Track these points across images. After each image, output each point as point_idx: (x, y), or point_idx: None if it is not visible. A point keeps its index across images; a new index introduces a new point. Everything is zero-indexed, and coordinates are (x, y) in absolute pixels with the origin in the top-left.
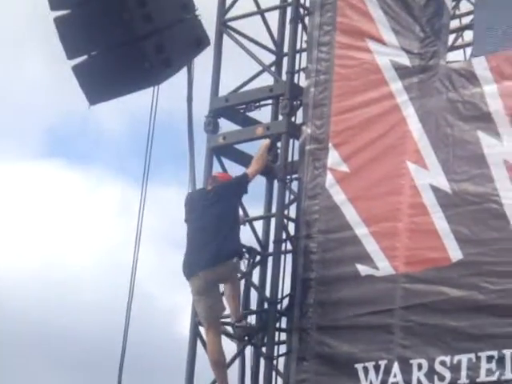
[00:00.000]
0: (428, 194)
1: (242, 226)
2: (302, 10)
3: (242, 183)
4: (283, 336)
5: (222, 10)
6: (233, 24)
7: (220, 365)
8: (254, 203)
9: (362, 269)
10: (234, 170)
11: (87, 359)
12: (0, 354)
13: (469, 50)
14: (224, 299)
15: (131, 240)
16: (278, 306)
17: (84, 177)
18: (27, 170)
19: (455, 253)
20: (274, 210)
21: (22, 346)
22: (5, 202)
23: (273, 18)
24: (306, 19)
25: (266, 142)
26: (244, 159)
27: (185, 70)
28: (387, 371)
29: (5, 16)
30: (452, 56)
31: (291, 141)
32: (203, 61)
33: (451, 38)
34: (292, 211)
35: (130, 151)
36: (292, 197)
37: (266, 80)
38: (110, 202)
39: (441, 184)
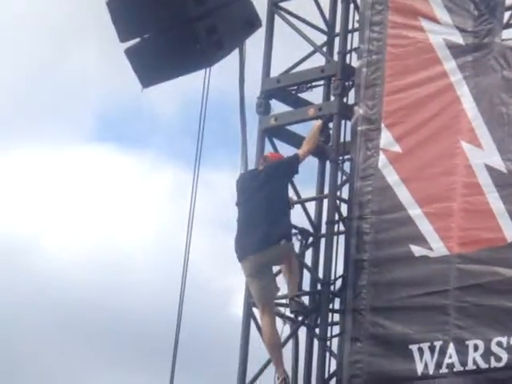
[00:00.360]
0: (483, 173)
1: (292, 209)
2: None
3: (292, 164)
4: (336, 317)
5: None
6: (284, 5)
7: (275, 346)
8: (306, 184)
9: (416, 249)
10: (286, 151)
11: (143, 341)
12: (55, 336)
13: None
14: (282, 276)
15: (184, 223)
16: (331, 287)
17: (137, 161)
18: (80, 154)
19: (511, 233)
20: (326, 191)
21: (74, 327)
22: (58, 185)
23: None
24: None
25: (318, 122)
26: (296, 140)
27: (237, 51)
28: (442, 352)
29: (58, 1)
30: (507, 34)
31: (343, 121)
32: (255, 42)
33: (507, 15)
34: (344, 192)
35: (183, 134)
36: (344, 178)
37: (318, 61)
38: (162, 185)
39: (496, 163)
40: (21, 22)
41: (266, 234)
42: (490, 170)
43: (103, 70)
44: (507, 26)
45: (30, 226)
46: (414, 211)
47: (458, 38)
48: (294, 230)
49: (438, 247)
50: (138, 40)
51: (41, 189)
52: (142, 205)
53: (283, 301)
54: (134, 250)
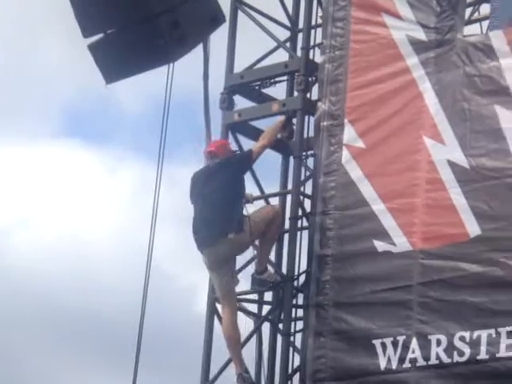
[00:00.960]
0: (445, 169)
1: (250, 204)
2: None
3: (244, 160)
4: (300, 312)
5: None
6: (247, 0)
7: (233, 340)
8: (269, 180)
9: (379, 245)
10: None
11: (105, 340)
12: (17, 333)
13: (486, 24)
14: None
15: (149, 219)
16: (295, 283)
17: (102, 156)
18: (46, 149)
19: (473, 228)
20: (289, 186)
21: (35, 325)
22: (24, 181)
23: None
24: None
25: (281, 118)
26: (259, 135)
27: (201, 47)
28: (405, 347)
29: None
30: (469, 30)
31: (307, 117)
32: (220, 37)
33: (468, 11)
34: (308, 188)
35: (149, 131)
36: (308, 173)
37: (281, 56)
38: (128, 182)
39: (458, 159)
40: None
41: (215, 229)
42: (453, 165)
43: (70, 65)
44: (469, 22)
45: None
46: (378, 207)
47: (420, 34)
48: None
49: (401, 242)
50: (101, 35)
51: (7, 184)
52: (106, 201)
53: (247, 296)
54: (99, 248)
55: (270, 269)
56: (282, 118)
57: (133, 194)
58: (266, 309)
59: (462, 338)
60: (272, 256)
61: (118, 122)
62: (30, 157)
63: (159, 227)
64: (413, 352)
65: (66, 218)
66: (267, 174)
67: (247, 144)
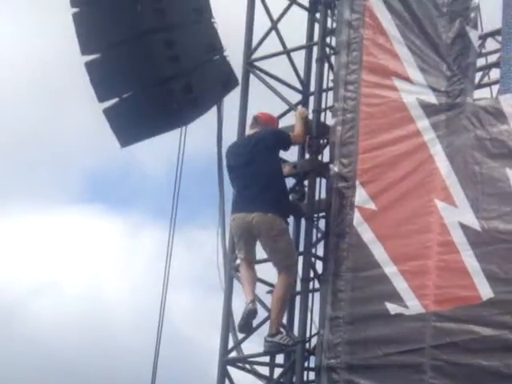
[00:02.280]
0: (457, 231)
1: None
2: (327, 50)
3: (286, 138)
4: (312, 375)
5: (249, 50)
6: (259, 64)
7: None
8: None
9: (392, 307)
10: None
11: None
12: None
13: (495, 88)
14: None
15: (171, 283)
16: (307, 345)
17: (124, 222)
18: (66, 215)
19: (486, 291)
20: (301, 248)
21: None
22: (45, 247)
23: (299, 57)
24: (332, 58)
25: (301, 110)
26: None
27: (215, 109)
28: None
29: (45, 62)
30: (479, 94)
31: (318, 179)
32: (233, 100)
33: (478, 75)
34: (320, 249)
35: (170, 194)
36: (319, 235)
37: (293, 119)
38: (148, 246)
39: (470, 222)
40: (16, 83)
41: (257, 198)
42: (465, 228)
43: (93, 130)
44: (479, 86)
45: (21, 284)
46: (390, 269)
47: (431, 98)
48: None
49: (413, 305)
50: (116, 100)
51: (30, 251)
52: (126, 265)
53: (259, 359)
54: (117, 308)
55: (283, 331)
56: (302, 110)
57: (152, 258)
58: (277, 372)
59: None
60: (284, 318)
61: (139, 186)
62: (49, 223)
63: (178, 290)
64: None
65: (87, 284)
66: None
67: None
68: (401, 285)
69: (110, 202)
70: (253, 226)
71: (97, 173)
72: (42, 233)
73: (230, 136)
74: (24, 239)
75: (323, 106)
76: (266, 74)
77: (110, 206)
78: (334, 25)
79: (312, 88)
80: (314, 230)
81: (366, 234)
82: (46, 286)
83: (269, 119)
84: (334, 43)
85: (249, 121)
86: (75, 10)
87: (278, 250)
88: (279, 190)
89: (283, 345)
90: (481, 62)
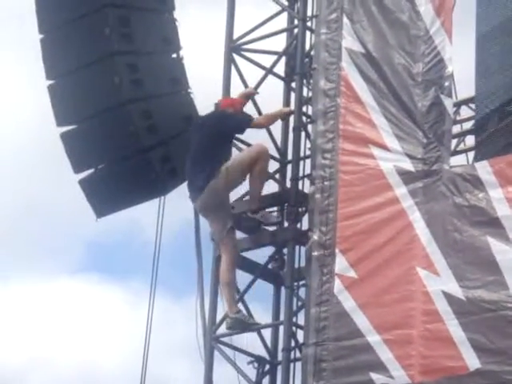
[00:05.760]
0: (441, 300)
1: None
2: (304, 118)
3: (241, 123)
4: None
5: None
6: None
7: (227, 284)
8: (262, 311)
9: (376, 378)
10: (242, 279)
11: None
12: None
13: (471, 155)
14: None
15: (169, 351)
16: None
17: (124, 292)
18: (70, 284)
19: (472, 361)
20: (282, 317)
21: None
22: (40, 319)
23: (276, 126)
24: (309, 126)
25: (286, 109)
26: (251, 266)
27: None
28: None
29: (32, 131)
30: (455, 160)
31: (298, 247)
32: None
33: (453, 142)
34: (300, 318)
35: (171, 263)
36: (300, 304)
37: (271, 187)
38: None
39: (453, 290)
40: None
41: (199, 178)
42: (448, 297)
43: None
44: (455, 152)
45: (17, 358)
46: (373, 338)
47: (408, 165)
48: (250, 358)
49: (398, 375)
50: (91, 170)
51: (30, 321)
52: (124, 335)
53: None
54: (112, 379)
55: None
56: (287, 109)
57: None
58: None
59: None
60: None
61: (141, 253)
62: (46, 294)
63: (177, 359)
64: None
65: (85, 355)
66: (259, 305)
67: (239, 276)
68: (385, 354)
69: (110, 270)
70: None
71: (97, 241)
72: (37, 304)
73: None
74: (19, 311)
75: (301, 174)
76: (244, 143)
77: (109, 275)
78: (310, 94)
79: (289, 156)
80: (295, 299)
81: (348, 303)
82: (39, 362)
83: (229, 104)
84: (310, 112)
85: None
86: (51, 82)
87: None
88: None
89: (263, 223)
90: (456, 128)
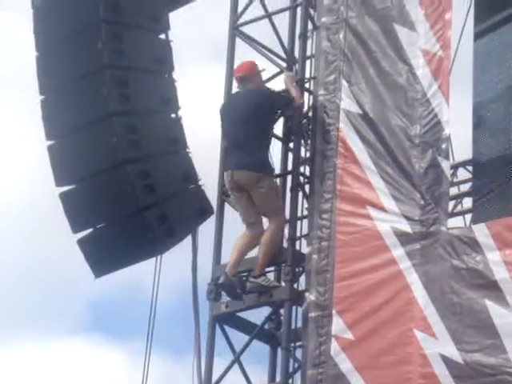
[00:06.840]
0: (439, 363)
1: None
2: (301, 178)
3: (289, 99)
4: None
5: (222, 180)
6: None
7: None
8: (258, 372)
9: None
10: (237, 338)
11: None
12: None
13: (468, 217)
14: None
15: None
16: None
17: (127, 352)
18: (72, 345)
19: None
20: (278, 378)
21: None
22: (51, 380)
23: None
24: (306, 187)
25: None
26: (247, 327)
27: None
28: None
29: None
30: (452, 222)
31: (294, 308)
32: (209, 228)
33: (451, 204)
34: (297, 380)
35: (175, 322)
36: (296, 365)
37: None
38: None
39: (451, 354)
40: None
41: (244, 157)
42: (446, 360)
43: None
44: (452, 214)
45: None
46: None
47: (405, 226)
48: None
49: None
50: (90, 230)
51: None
52: None
53: None
54: None
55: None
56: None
57: None
58: None
59: None
60: None
61: (143, 312)
62: (55, 355)
63: None
64: None
65: None
66: (255, 366)
67: (235, 336)
68: None
69: (112, 330)
70: (236, 182)
71: (99, 301)
72: (39, 366)
73: (206, 265)
74: (19, 374)
75: (298, 234)
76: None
77: (110, 334)
78: (308, 154)
79: (286, 216)
80: (291, 360)
81: (345, 364)
82: None
83: (249, 69)
84: (307, 172)
85: (224, 249)
86: (50, 142)
87: (264, 198)
88: (261, 150)
89: (265, 286)
90: (453, 191)
